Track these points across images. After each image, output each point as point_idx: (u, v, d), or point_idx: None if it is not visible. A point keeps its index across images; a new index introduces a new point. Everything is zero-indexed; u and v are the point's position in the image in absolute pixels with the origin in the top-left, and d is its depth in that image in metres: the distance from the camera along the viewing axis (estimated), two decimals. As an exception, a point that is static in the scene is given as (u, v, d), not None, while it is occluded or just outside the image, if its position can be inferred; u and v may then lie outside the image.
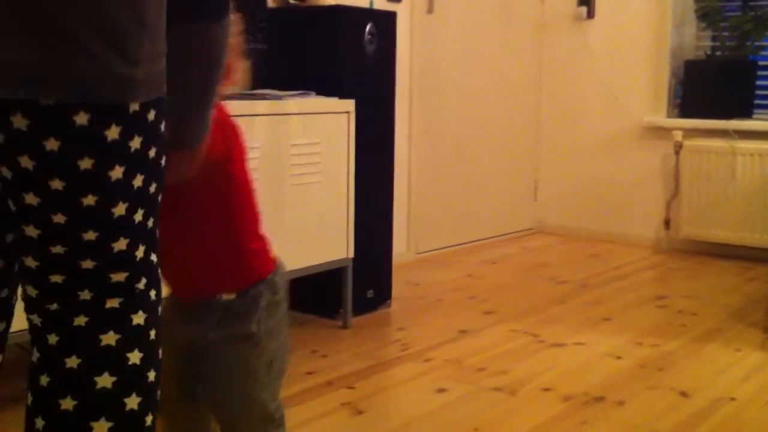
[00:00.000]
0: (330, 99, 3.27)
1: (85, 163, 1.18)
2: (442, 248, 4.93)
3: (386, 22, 3.59)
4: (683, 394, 2.76)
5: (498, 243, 5.22)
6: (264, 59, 3.49)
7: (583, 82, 5.37)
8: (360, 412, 2.59)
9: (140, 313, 1.30)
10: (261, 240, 1.71)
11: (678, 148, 4.92)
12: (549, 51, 5.51)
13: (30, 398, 1.28)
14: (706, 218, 4.82)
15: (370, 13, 3.57)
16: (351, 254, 3.39)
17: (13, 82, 1.14)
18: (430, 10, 4.65)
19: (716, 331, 3.44)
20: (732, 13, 4.88)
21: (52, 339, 1.26)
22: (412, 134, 4.59)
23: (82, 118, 1.16)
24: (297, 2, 3.70)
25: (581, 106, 5.39)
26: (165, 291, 1.49)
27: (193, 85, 1.39)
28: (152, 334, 1.32)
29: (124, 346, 1.27)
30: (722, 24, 4.89)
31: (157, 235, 1.34)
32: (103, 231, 1.23)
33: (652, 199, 5.13)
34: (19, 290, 1.34)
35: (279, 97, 3.10)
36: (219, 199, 1.61)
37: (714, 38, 5.03)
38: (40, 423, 1.26)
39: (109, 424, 1.26)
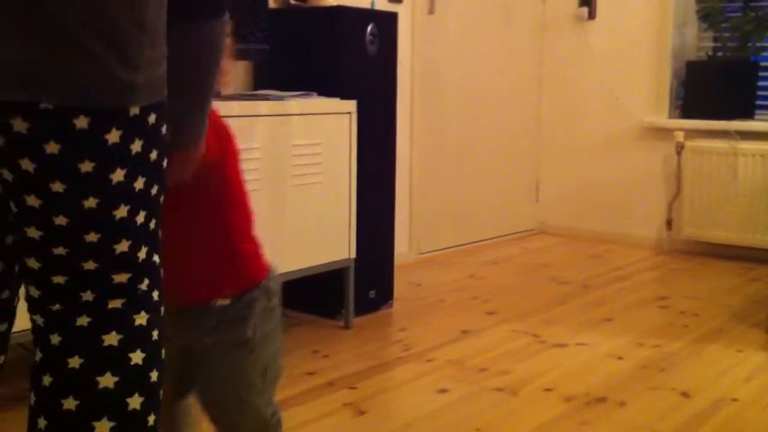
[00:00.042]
0: (331, 99, 3.28)
1: (86, 166, 1.18)
2: (444, 249, 4.93)
3: (387, 22, 3.59)
4: (685, 394, 2.76)
5: (499, 243, 5.22)
6: (266, 60, 3.49)
7: (584, 83, 5.37)
8: (362, 413, 2.59)
9: (142, 313, 1.30)
10: (255, 243, 1.70)
11: (680, 148, 4.91)
12: (550, 51, 5.50)
13: (32, 398, 1.29)
14: (707, 219, 4.81)
15: (371, 14, 3.57)
16: (353, 254, 3.39)
17: (13, 84, 1.14)
18: (431, 11, 4.65)
19: (718, 331, 3.44)
20: (733, 14, 4.88)
21: (55, 339, 1.26)
22: (413, 134, 4.59)
23: (82, 122, 1.16)
24: (298, 3, 3.71)
25: (582, 107, 5.39)
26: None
27: (191, 84, 1.39)
28: (155, 334, 1.32)
29: (126, 347, 1.28)
30: (723, 25, 4.89)
31: (160, 236, 1.34)
32: (104, 233, 1.23)
33: (653, 200, 5.13)
34: (23, 290, 1.34)
35: (281, 98, 3.10)
36: (213, 202, 1.60)
37: (715, 39, 5.03)
38: (42, 423, 1.26)
39: (111, 424, 1.26)
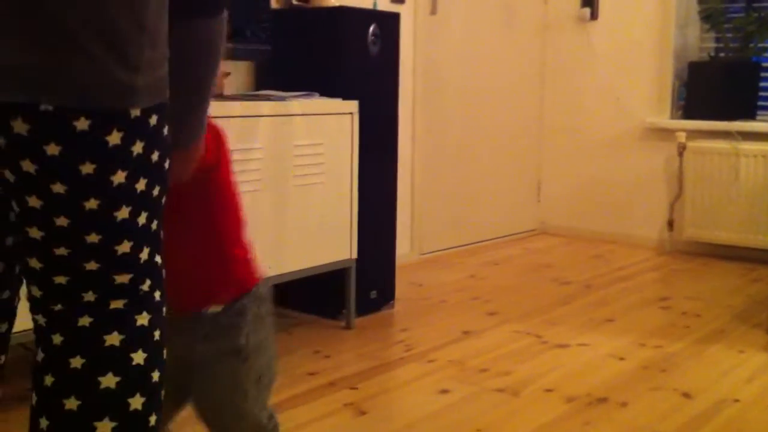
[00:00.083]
0: (333, 100, 3.28)
1: (87, 168, 1.18)
2: (446, 249, 4.93)
3: (390, 23, 3.59)
4: (686, 395, 2.76)
5: (501, 244, 5.22)
6: (268, 60, 3.49)
7: (586, 84, 5.37)
8: (363, 413, 2.59)
9: (144, 314, 1.30)
10: (246, 249, 1.69)
11: (681, 149, 4.91)
12: (552, 52, 5.50)
13: (34, 398, 1.29)
14: (709, 220, 4.81)
15: (373, 14, 3.57)
16: (354, 255, 3.39)
17: (13, 85, 1.14)
18: (433, 11, 4.65)
19: (720, 332, 3.44)
20: (735, 15, 4.88)
21: (57, 339, 1.27)
22: (415, 135, 4.60)
23: (82, 124, 1.16)
24: (300, 3, 3.71)
25: (584, 107, 5.39)
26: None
27: (190, 83, 1.39)
28: (156, 334, 1.32)
29: (128, 347, 1.28)
30: (726, 25, 4.89)
31: (162, 236, 1.34)
32: (106, 234, 1.23)
33: (655, 201, 5.13)
34: (24, 290, 1.34)
35: (282, 98, 3.11)
36: (206, 205, 1.59)
37: (717, 40, 5.03)
38: (44, 423, 1.26)
39: (113, 424, 1.26)
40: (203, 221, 1.60)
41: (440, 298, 3.94)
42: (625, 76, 5.20)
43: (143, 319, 1.30)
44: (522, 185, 5.53)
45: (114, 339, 1.27)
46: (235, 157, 2.86)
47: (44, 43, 1.13)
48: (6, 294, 1.38)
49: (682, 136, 4.90)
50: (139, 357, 1.28)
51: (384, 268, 3.69)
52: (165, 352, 1.35)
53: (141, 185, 1.25)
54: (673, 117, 5.06)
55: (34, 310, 1.29)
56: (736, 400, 2.72)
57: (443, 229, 4.92)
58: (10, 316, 1.40)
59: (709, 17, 4.95)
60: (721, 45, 4.95)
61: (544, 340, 3.31)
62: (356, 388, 2.79)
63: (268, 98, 3.08)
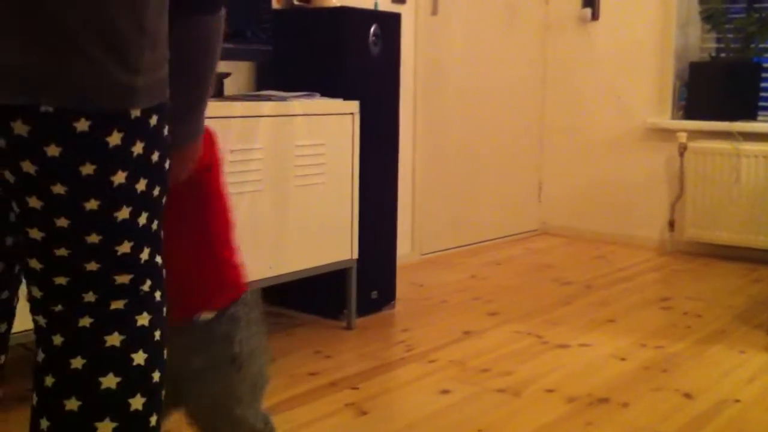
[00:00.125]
0: (334, 100, 3.28)
1: (87, 169, 1.18)
2: (447, 249, 4.93)
3: (391, 23, 3.59)
4: (687, 395, 2.76)
5: (502, 244, 5.22)
6: (269, 61, 3.50)
7: (587, 84, 5.37)
8: (364, 413, 2.59)
9: (145, 314, 1.30)
10: (235, 252, 1.67)
11: (682, 149, 4.91)
12: (553, 52, 5.50)
13: (35, 399, 1.29)
14: (710, 220, 4.81)
15: (374, 15, 3.57)
16: (355, 255, 3.39)
17: (13, 86, 1.14)
18: (434, 12, 4.65)
19: (721, 332, 3.44)
20: (736, 15, 4.88)
21: (57, 340, 1.26)
22: (416, 135, 4.60)
23: (83, 125, 1.16)
24: (301, 4, 3.71)
25: (585, 108, 5.39)
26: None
27: (188, 81, 1.39)
28: (157, 334, 1.32)
29: (128, 347, 1.28)
30: (727, 26, 4.89)
31: (162, 236, 1.34)
32: (106, 234, 1.23)
33: (656, 201, 5.13)
34: (23, 291, 1.34)
35: (284, 99, 3.11)
36: (199, 208, 1.58)
37: (718, 40, 5.03)
38: (44, 423, 1.26)
39: (114, 425, 1.26)
40: (196, 223, 1.58)
41: (441, 298, 3.94)
42: (626, 77, 5.20)
43: (144, 320, 1.29)
44: (523, 185, 5.53)
45: (114, 339, 1.27)
46: (236, 157, 2.88)
47: (44, 45, 1.13)
48: (5, 294, 1.38)
49: (683, 137, 4.90)
50: (139, 357, 1.28)
51: (385, 269, 3.69)
52: (165, 352, 1.35)
53: (141, 185, 1.25)
54: (674, 117, 5.06)
55: (34, 310, 1.29)
56: (737, 401, 2.72)
57: (444, 230, 4.92)
58: (10, 316, 1.40)
59: (710, 17, 4.95)
60: (722, 45, 4.95)
61: (545, 341, 3.31)
62: (357, 389, 2.79)
63: (269, 98, 3.08)
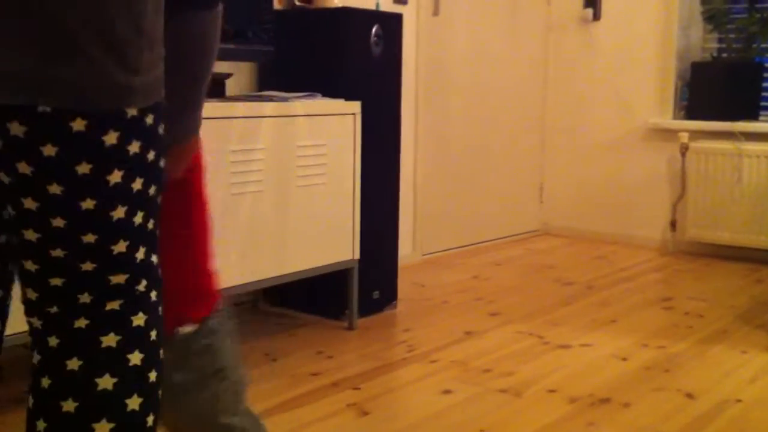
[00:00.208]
0: (336, 101, 3.28)
1: (83, 168, 1.18)
2: (448, 249, 4.93)
3: (392, 24, 3.59)
4: (689, 395, 2.76)
5: (504, 245, 5.22)
6: (270, 61, 3.50)
7: (589, 84, 5.36)
8: (366, 413, 2.59)
9: (140, 314, 1.29)
10: (211, 259, 1.63)
11: (684, 149, 4.91)
12: (555, 53, 5.50)
13: (31, 400, 1.28)
14: (712, 220, 4.81)
15: (376, 15, 3.57)
16: (357, 255, 3.39)
17: (11, 87, 1.14)
18: (435, 12, 4.66)
19: (722, 333, 3.44)
20: (738, 15, 4.88)
21: (53, 341, 1.26)
22: (417, 136, 4.60)
23: (79, 125, 1.16)
24: (303, 4, 3.71)
25: (587, 108, 5.39)
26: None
27: (184, 78, 1.38)
28: (153, 334, 1.32)
29: (124, 348, 1.27)
30: (728, 26, 4.89)
31: (158, 236, 1.34)
32: (102, 234, 1.23)
33: (658, 201, 5.13)
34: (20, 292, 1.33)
35: (285, 99, 3.11)
36: (180, 210, 1.54)
37: (720, 40, 5.03)
38: (41, 425, 1.26)
39: (111, 425, 1.26)
40: (178, 226, 1.54)
41: (443, 298, 3.94)
42: (627, 77, 5.20)
43: (139, 320, 1.29)
44: (525, 186, 5.53)
45: (110, 340, 1.26)
46: (237, 158, 2.89)
47: (44, 46, 1.13)
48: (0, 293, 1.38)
49: (684, 137, 4.90)
50: (135, 358, 1.28)
51: (386, 269, 3.69)
52: (161, 352, 1.34)
53: (137, 185, 1.24)
54: (675, 117, 5.06)
55: (29, 312, 1.29)
56: (739, 401, 2.71)
57: (445, 230, 4.93)
58: (3, 316, 1.40)
59: (712, 18, 4.95)
60: (724, 45, 4.95)
61: (547, 341, 3.31)
62: (359, 389, 2.79)
63: (270, 99, 3.09)
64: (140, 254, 1.28)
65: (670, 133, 5.02)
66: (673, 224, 5.06)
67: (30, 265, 1.25)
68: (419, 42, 4.53)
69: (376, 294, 3.63)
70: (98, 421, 1.25)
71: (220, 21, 1.39)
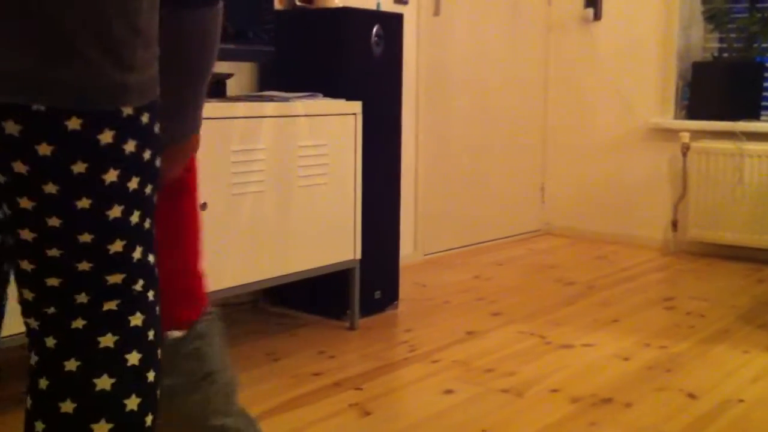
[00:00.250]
0: (337, 101, 3.28)
1: (79, 167, 1.18)
2: (449, 249, 4.93)
3: (393, 24, 3.59)
4: (691, 395, 2.75)
5: (505, 244, 5.22)
6: (271, 61, 3.50)
7: (590, 84, 5.36)
8: (367, 413, 2.59)
9: (138, 314, 1.29)
10: (201, 260, 1.61)
11: (685, 149, 4.91)
12: (556, 53, 5.50)
13: (29, 401, 1.28)
14: (713, 220, 4.81)
15: (376, 15, 3.57)
16: (358, 255, 3.39)
17: (12, 87, 1.13)
18: (436, 13, 4.65)
19: (724, 332, 3.43)
20: (739, 15, 4.87)
21: (50, 342, 1.26)
22: (418, 136, 4.60)
23: (74, 124, 1.16)
24: (304, 4, 3.71)
25: (588, 108, 5.38)
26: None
27: (185, 75, 1.37)
28: (151, 334, 1.31)
29: (122, 348, 1.27)
30: (729, 26, 4.89)
31: (155, 235, 1.33)
32: (98, 233, 1.22)
33: (659, 201, 5.13)
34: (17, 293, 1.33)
35: (286, 99, 3.11)
36: (174, 210, 1.53)
37: (721, 40, 5.02)
38: (40, 426, 1.25)
39: (110, 426, 1.25)
40: (171, 226, 1.53)
41: (444, 298, 3.94)
42: (628, 77, 5.20)
43: (137, 320, 1.29)
44: (526, 186, 5.53)
45: (108, 340, 1.26)
46: (238, 158, 2.88)
47: (43, 47, 1.12)
48: None
49: (685, 137, 4.90)
50: (133, 358, 1.28)
51: (388, 269, 3.69)
52: (159, 351, 1.34)
53: (133, 184, 1.24)
54: (676, 117, 5.06)
55: (26, 313, 1.28)
56: (741, 401, 2.71)
57: (447, 230, 4.92)
58: (0, 316, 1.39)
59: (712, 17, 4.95)
60: (725, 45, 4.95)
61: (549, 341, 3.30)
62: (361, 389, 2.79)
63: (271, 99, 3.08)
64: (137, 254, 1.28)
65: (671, 133, 5.02)
66: (674, 224, 5.06)
67: (26, 265, 1.24)
68: (420, 42, 4.53)
69: (377, 294, 3.63)
70: (97, 421, 1.25)
71: (221, 18, 1.38)
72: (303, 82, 3.45)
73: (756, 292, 4.08)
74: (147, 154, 1.25)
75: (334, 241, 3.28)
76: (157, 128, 1.27)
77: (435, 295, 3.98)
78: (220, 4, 1.36)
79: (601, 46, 5.29)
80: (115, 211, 1.23)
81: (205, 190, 2.77)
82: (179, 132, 1.42)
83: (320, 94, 3.28)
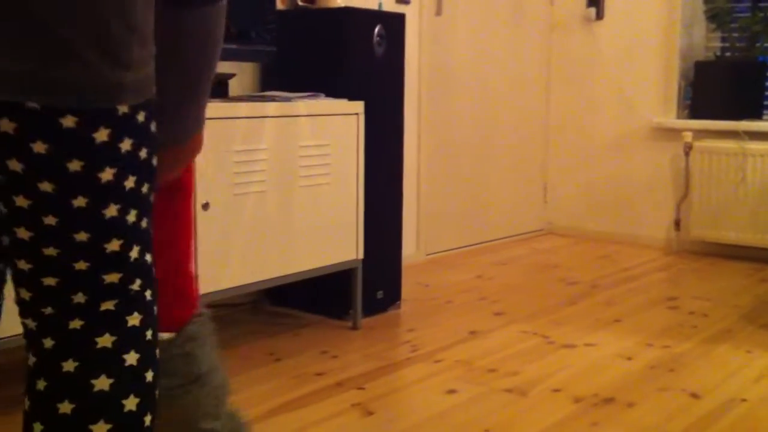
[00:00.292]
0: (339, 101, 3.28)
1: (74, 166, 1.17)
2: (452, 249, 4.93)
3: (395, 23, 3.59)
4: (694, 395, 2.75)
5: (508, 244, 5.22)
6: (273, 61, 3.50)
7: (592, 84, 5.36)
8: (370, 413, 2.59)
9: (135, 314, 1.29)
10: (192, 261, 1.61)
11: (688, 149, 4.90)
12: (558, 52, 5.50)
13: (27, 403, 1.28)
14: (716, 219, 4.80)
15: (378, 15, 3.57)
16: (361, 255, 3.39)
17: (8, 87, 1.13)
18: (438, 12, 4.65)
19: (727, 332, 3.43)
20: (741, 14, 4.87)
21: (48, 343, 1.25)
22: (421, 135, 4.59)
23: (69, 122, 1.15)
24: (306, 4, 3.71)
25: (591, 107, 5.38)
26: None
27: (186, 75, 1.36)
28: (148, 334, 1.31)
29: (120, 348, 1.27)
30: (732, 25, 4.89)
31: (152, 235, 1.33)
32: (95, 232, 1.22)
33: (662, 201, 5.12)
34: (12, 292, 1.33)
35: (288, 99, 3.11)
36: (168, 212, 1.52)
37: (724, 39, 5.02)
38: (38, 428, 1.25)
39: (108, 427, 1.25)
40: (167, 227, 1.53)
41: (447, 298, 3.93)
42: (631, 76, 5.19)
43: (135, 320, 1.29)
44: (528, 185, 5.52)
45: (106, 341, 1.26)
46: (240, 158, 2.88)
47: (41, 49, 1.12)
48: None
49: (688, 136, 4.89)
50: (131, 358, 1.28)
51: (390, 269, 3.69)
52: (158, 351, 1.34)
53: (130, 183, 1.23)
54: (679, 117, 5.06)
55: (23, 314, 1.28)
56: (744, 400, 2.71)
57: (449, 230, 4.92)
58: None
59: (715, 17, 4.94)
60: (728, 45, 4.94)
61: (551, 341, 3.30)
62: (363, 389, 2.79)
63: (273, 99, 3.08)
64: (134, 253, 1.28)
65: (673, 133, 5.01)
66: (677, 223, 5.05)
67: (23, 265, 1.24)
68: (422, 42, 4.53)
69: (380, 294, 3.63)
70: (95, 422, 1.25)
71: (224, 16, 1.36)
72: (305, 82, 3.45)
73: (759, 292, 4.07)
74: (143, 153, 1.25)
75: (337, 241, 3.28)
76: (153, 127, 1.27)
77: (437, 295, 3.98)
78: (224, 2, 1.35)
79: (603, 46, 5.29)
80: (112, 210, 1.22)
81: (207, 191, 2.77)
82: (180, 132, 1.41)
83: (322, 94, 3.28)
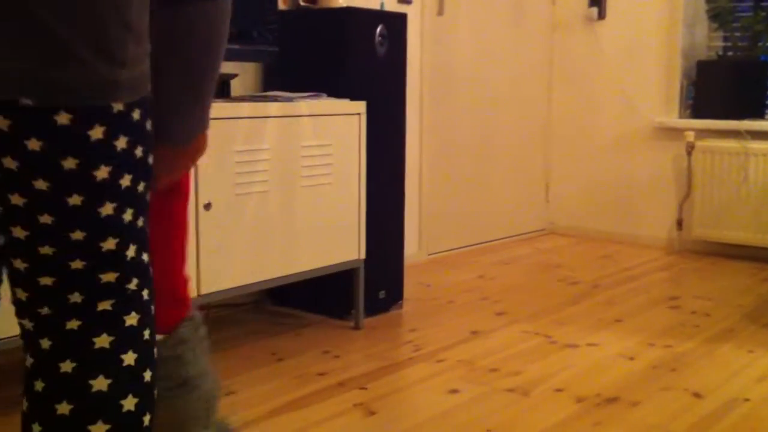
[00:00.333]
0: (341, 101, 3.28)
1: (69, 163, 1.17)
2: (454, 249, 4.93)
3: (397, 23, 3.59)
4: (696, 395, 2.75)
5: (510, 244, 5.21)
6: (275, 62, 3.50)
7: (594, 83, 5.36)
8: (372, 413, 2.59)
9: (133, 314, 1.28)
10: (186, 263, 1.59)
11: (690, 148, 4.90)
12: (560, 52, 5.50)
13: (25, 404, 1.28)
14: (718, 219, 4.80)
15: (380, 15, 3.57)
16: (363, 255, 3.39)
17: (12, 87, 1.13)
18: (440, 12, 4.65)
19: (729, 332, 3.43)
20: (743, 14, 4.86)
21: (45, 344, 1.25)
22: (422, 135, 4.59)
23: (63, 119, 1.15)
24: (308, 4, 3.71)
25: (593, 107, 5.38)
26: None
27: (188, 74, 1.35)
28: (146, 334, 1.31)
29: (118, 348, 1.26)
30: (734, 24, 4.88)
31: (148, 234, 1.32)
32: (90, 231, 1.22)
33: (664, 200, 5.12)
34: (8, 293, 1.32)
35: (290, 99, 3.11)
36: (164, 213, 1.51)
37: (726, 39, 5.01)
38: (37, 429, 1.25)
39: (107, 427, 1.25)
40: (163, 227, 1.51)
41: (449, 298, 3.93)
42: (633, 76, 5.19)
43: (132, 319, 1.28)
44: (530, 185, 5.52)
45: (103, 341, 1.26)
46: (243, 158, 2.88)
47: (40, 50, 1.12)
48: None
49: (690, 136, 4.89)
50: (129, 358, 1.28)
51: (392, 269, 3.69)
52: (155, 351, 1.33)
53: (125, 181, 1.23)
54: (681, 116, 5.05)
55: (20, 314, 1.28)
56: (747, 400, 2.71)
57: (451, 229, 4.92)
58: None
59: (717, 16, 4.94)
60: (730, 44, 4.94)
61: (554, 340, 3.30)
62: (365, 388, 2.79)
63: (275, 99, 3.08)
64: (131, 252, 1.27)
65: (675, 132, 5.01)
66: (679, 223, 5.05)
67: (19, 264, 1.24)
68: (424, 42, 4.53)
69: (382, 294, 3.63)
70: (94, 422, 1.25)
71: (228, 14, 1.34)
72: (307, 82, 3.45)
73: (761, 291, 4.07)
74: (139, 151, 1.24)
75: (339, 240, 3.28)
76: (149, 125, 1.26)
77: (439, 295, 3.98)
78: (226, 1, 1.33)
79: (605, 45, 5.29)
80: (108, 209, 1.22)
81: (209, 191, 2.77)
82: (185, 132, 1.40)
83: (324, 94, 3.28)
